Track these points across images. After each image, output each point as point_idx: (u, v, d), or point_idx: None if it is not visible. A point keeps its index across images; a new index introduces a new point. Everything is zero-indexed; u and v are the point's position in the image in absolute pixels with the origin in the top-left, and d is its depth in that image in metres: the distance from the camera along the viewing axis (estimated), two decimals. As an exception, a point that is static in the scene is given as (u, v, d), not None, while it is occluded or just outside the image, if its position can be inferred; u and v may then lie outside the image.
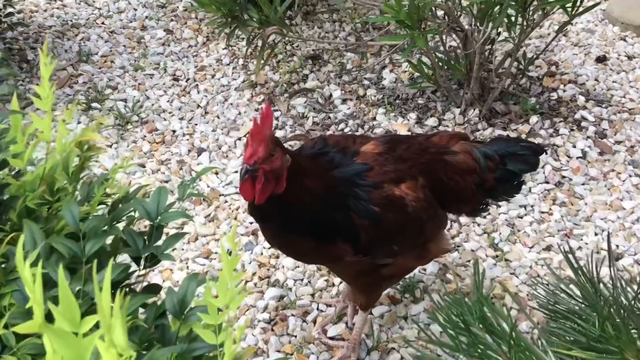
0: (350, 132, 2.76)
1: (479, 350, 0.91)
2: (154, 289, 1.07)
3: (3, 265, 0.86)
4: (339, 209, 1.55)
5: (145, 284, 1.09)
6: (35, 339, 0.84)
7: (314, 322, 2.07)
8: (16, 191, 0.97)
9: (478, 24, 2.53)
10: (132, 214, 1.11)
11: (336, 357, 1.94)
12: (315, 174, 1.58)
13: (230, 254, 0.87)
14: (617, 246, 2.28)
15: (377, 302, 2.00)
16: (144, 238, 1.08)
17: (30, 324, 0.59)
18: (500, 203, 2.43)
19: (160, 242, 1.09)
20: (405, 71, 3.05)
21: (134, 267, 1.09)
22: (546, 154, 2.20)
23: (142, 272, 1.08)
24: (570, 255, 1.08)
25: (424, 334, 2.01)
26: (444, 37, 2.73)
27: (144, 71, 3.21)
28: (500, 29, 2.67)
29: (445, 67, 2.81)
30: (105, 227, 1.00)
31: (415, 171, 1.66)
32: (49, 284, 0.88)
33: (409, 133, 2.68)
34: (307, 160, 1.62)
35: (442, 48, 2.77)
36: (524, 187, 2.49)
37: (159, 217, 1.08)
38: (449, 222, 2.09)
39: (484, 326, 0.94)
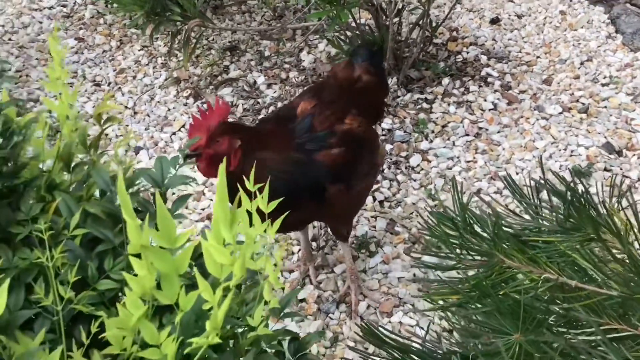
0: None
1: (469, 249, 1.07)
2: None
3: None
4: (307, 166, 1.75)
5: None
6: (90, 291, 0.92)
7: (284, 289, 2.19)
8: (35, 173, 1.04)
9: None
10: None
11: (353, 298, 2.12)
12: (274, 147, 1.77)
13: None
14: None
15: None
16: (152, 204, 1.17)
17: (134, 244, 0.69)
18: (429, 158, 2.65)
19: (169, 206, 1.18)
20: (322, 51, 3.22)
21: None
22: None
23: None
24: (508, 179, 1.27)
25: (385, 283, 2.18)
26: (356, 14, 2.90)
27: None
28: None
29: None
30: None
31: (347, 106, 1.96)
32: (94, 241, 0.96)
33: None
34: (265, 136, 1.82)
35: (358, 23, 2.95)
36: (448, 141, 2.74)
37: (164, 184, 1.17)
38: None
39: (468, 230, 1.11)
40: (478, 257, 1.12)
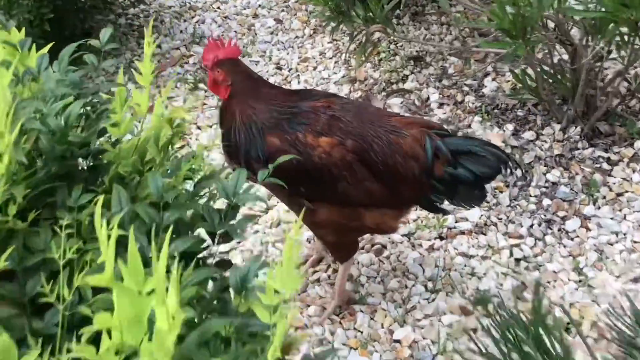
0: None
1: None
2: (225, 264, 1.13)
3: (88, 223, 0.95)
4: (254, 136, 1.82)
5: (217, 259, 1.15)
6: (108, 294, 0.91)
7: (382, 322, 2.09)
8: (112, 158, 1.05)
9: (588, 39, 2.44)
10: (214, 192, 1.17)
11: (326, 312, 2.08)
12: (253, 102, 1.84)
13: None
14: None
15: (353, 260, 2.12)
16: (220, 215, 1.14)
17: (101, 277, 0.66)
18: (590, 226, 2.35)
19: (234, 222, 1.15)
20: (509, 81, 2.99)
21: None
22: (511, 170, 1.90)
23: (216, 247, 1.14)
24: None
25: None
26: (552, 50, 2.65)
27: (251, 57, 3.32)
28: (612, 47, 2.55)
29: (550, 80, 2.73)
30: (186, 200, 1.07)
31: (347, 135, 1.81)
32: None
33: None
34: (259, 91, 1.87)
35: (549, 61, 2.69)
36: (618, 212, 2.40)
37: (236, 197, 1.14)
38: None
39: (538, 346, 0.93)
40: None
